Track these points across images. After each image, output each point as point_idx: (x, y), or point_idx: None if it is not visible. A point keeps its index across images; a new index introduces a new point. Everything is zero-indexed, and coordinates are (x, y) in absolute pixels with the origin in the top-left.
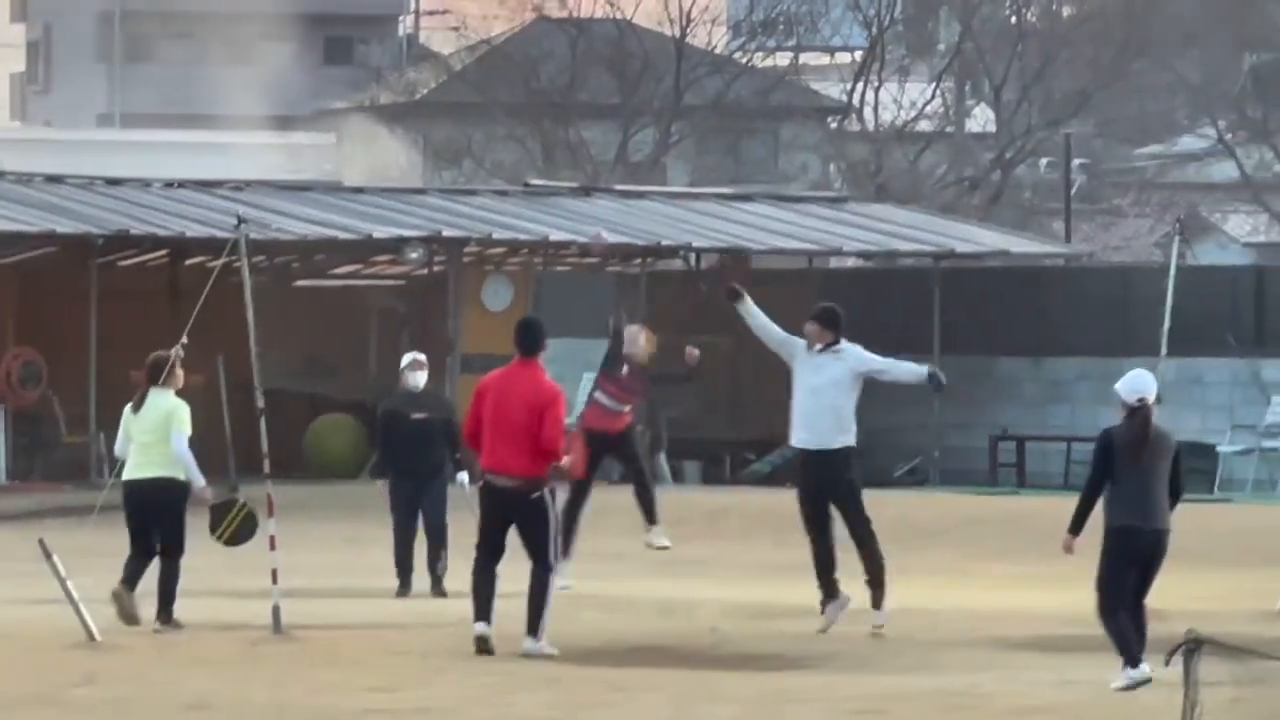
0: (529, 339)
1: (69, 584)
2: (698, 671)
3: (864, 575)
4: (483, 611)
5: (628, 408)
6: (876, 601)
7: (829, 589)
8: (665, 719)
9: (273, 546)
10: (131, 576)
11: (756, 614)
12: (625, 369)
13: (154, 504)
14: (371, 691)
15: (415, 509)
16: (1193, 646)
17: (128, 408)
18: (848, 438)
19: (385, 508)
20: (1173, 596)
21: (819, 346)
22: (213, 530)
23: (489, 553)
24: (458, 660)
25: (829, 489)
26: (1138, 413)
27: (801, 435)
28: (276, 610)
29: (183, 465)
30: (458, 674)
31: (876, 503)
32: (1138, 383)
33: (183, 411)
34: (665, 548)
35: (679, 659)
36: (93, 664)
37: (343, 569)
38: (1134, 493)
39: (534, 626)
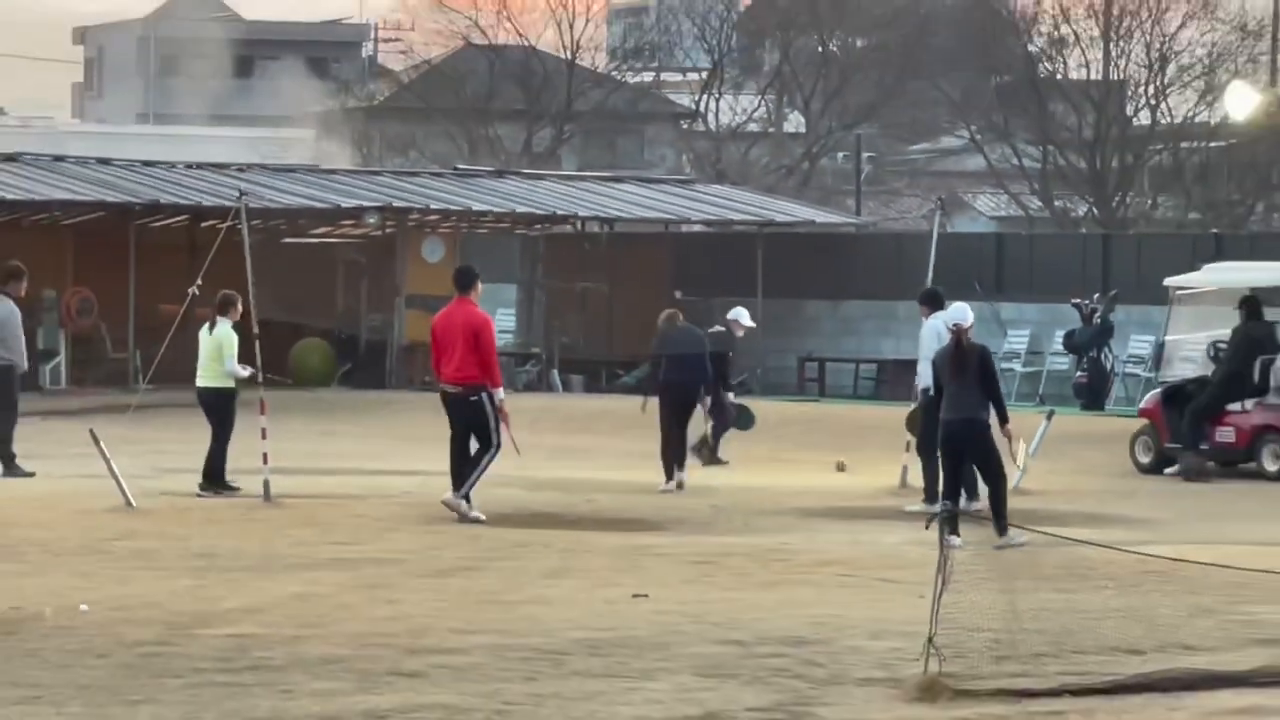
0: (463, 280)
1: (112, 463)
2: (580, 532)
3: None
4: (458, 482)
5: None
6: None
7: None
8: (554, 566)
9: (264, 436)
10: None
11: (624, 489)
12: None
13: (209, 406)
14: (338, 544)
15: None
16: (945, 516)
17: (204, 329)
18: None
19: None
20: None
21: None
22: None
23: (457, 435)
24: (404, 523)
25: None
26: (953, 334)
27: None
28: (266, 484)
29: (232, 375)
30: (403, 533)
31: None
32: (956, 314)
33: (231, 340)
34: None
35: (567, 523)
36: (128, 524)
37: (317, 454)
38: (953, 395)
39: (460, 483)
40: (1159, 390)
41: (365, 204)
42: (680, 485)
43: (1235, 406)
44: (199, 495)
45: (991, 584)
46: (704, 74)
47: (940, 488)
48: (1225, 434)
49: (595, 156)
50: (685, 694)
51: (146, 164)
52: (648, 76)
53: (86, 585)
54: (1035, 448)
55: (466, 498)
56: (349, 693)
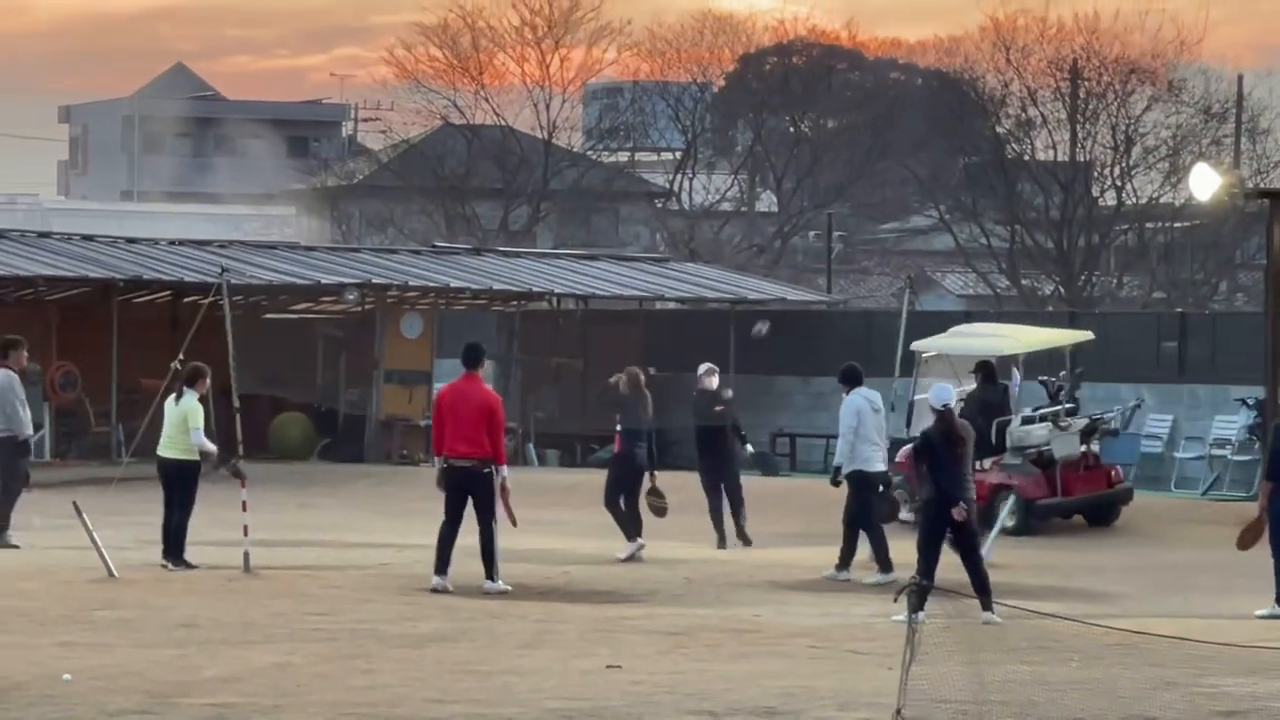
0: (470, 357)
1: (95, 534)
2: (554, 603)
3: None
4: (441, 566)
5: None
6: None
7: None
8: (529, 637)
9: (244, 509)
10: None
11: (598, 561)
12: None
13: (171, 477)
14: (316, 615)
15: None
16: (914, 588)
17: (170, 399)
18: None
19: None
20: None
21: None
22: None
23: (451, 519)
24: (380, 594)
25: None
26: (942, 415)
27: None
28: (246, 555)
29: (198, 449)
30: (380, 604)
31: (688, 484)
32: (941, 395)
33: (196, 412)
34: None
35: (541, 594)
36: (111, 593)
37: (296, 526)
38: (944, 474)
39: (490, 571)
40: (911, 445)
41: (345, 280)
42: (634, 556)
43: (975, 465)
44: (163, 567)
45: (959, 656)
46: (678, 154)
47: (890, 557)
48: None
49: (571, 234)
50: None
51: (129, 240)
52: (623, 156)
53: (69, 655)
54: (1001, 521)
55: (493, 575)
56: None
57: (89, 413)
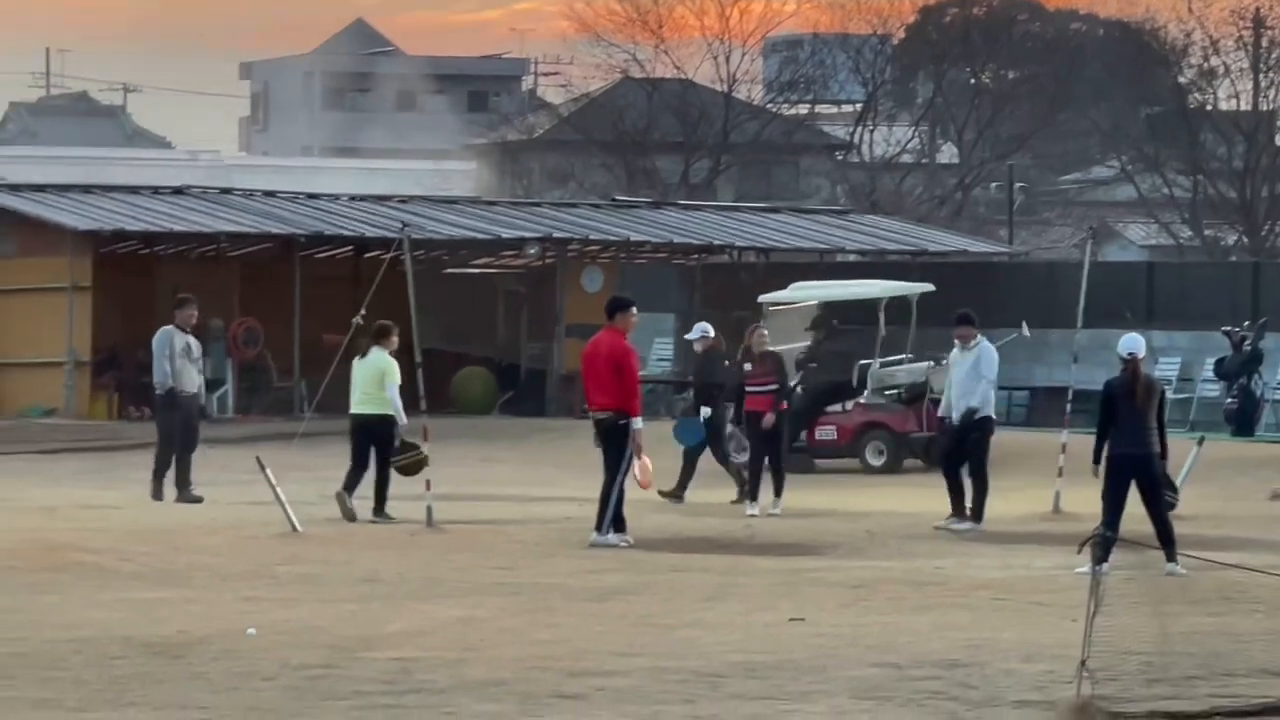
0: (609, 309)
1: (278, 489)
2: (737, 556)
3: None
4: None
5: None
6: (958, 511)
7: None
8: (712, 589)
9: (426, 463)
10: (351, 484)
11: (779, 515)
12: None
13: (368, 431)
14: (498, 569)
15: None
16: (1099, 539)
17: (356, 358)
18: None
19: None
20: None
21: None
22: (394, 458)
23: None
24: (562, 548)
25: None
26: (1128, 365)
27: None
28: (429, 510)
29: (393, 407)
30: (562, 558)
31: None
32: (1130, 344)
33: (393, 367)
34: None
35: (724, 547)
36: (293, 548)
37: (478, 480)
38: (1129, 427)
39: (599, 523)
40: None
41: (526, 235)
42: (759, 508)
43: (835, 407)
44: (372, 521)
45: (1143, 608)
46: (858, 106)
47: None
48: (826, 433)
49: (751, 187)
50: (842, 716)
51: (311, 196)
52: (803, 109)
53: (253, 609)
54: (1186, 474)
55: (610, 529)
56: (511, 715)
57: (271, 368)
